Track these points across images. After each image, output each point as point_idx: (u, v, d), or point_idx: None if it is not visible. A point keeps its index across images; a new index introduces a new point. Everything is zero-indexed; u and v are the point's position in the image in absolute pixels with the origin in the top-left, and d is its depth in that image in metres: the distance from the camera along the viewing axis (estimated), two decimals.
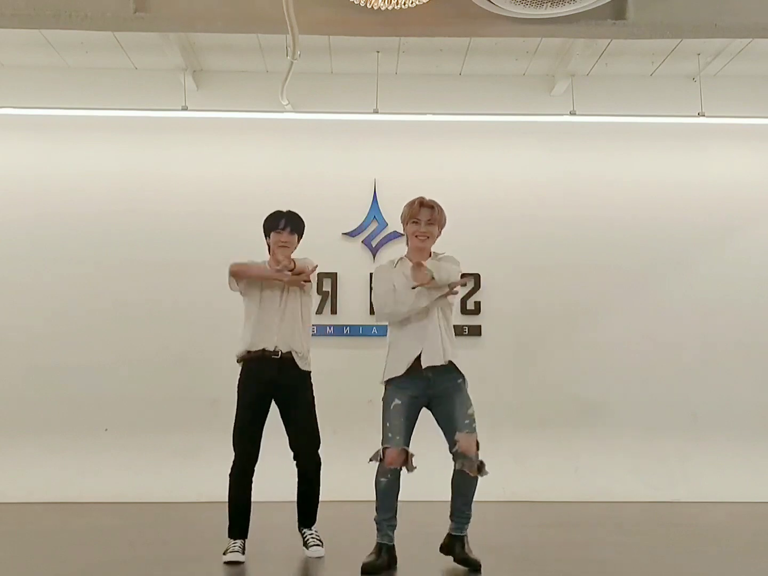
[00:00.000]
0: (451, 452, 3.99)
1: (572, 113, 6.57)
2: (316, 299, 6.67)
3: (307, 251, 6.61)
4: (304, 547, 4.28)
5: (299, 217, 4.46)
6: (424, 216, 4.10)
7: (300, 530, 4.34)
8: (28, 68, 6.62)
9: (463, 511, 4.01)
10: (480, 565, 3.90)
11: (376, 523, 3.98)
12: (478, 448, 3.96)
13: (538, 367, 6.69)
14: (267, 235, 4.47)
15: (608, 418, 6.58)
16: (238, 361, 4.35)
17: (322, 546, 4.24)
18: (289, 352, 4.29)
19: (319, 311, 6.66)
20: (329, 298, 6.69)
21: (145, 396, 6.46)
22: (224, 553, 4.11)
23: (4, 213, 6.68)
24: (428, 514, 5.03)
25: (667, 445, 6.53)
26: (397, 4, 4.45)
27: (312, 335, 6.55)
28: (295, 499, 4.37)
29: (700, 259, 6.83)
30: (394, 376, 4.11)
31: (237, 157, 6.78)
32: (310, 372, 4.38)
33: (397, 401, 4.01)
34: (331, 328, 6.68)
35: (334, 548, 4.36)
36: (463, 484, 3.96)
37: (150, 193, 6.72)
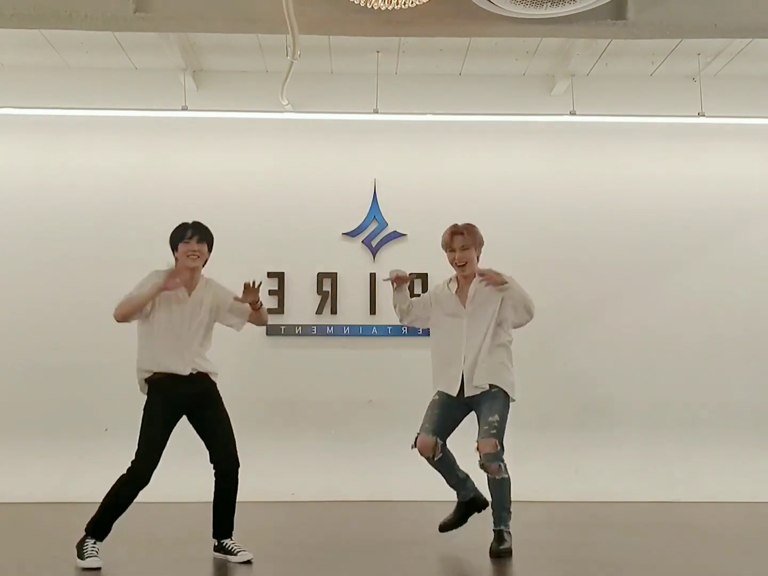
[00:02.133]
0: None
1: (572, 113, 6.57)
2: (315, 299, 6.69)
3: (307, 251, 6.67)
4: (229, 556, 4.16)
5: (206, 227, 4.36)
6: (458, 243, 4.39)
7: (220, 545, 4.22)
8: (28, 68, 6.61)
9: (495, 509, 4.30)
10: (506, 552, 4.19)
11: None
12: (496, 449, 4.23)
13: (538, 367, 6.66)
14: (174, 248, 4.34)
15: (608, 418, 6.57)
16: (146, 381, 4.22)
17: (247, 551, 4.16)
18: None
19: (319, 311, 6.66)
20: (329, 298, 6.68)
21: (145, 396, 6.44)
22: (83, 557, 3.99)
23: (3, 213, 6.67)
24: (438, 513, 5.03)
25: (667, 445, 6.53)
26: (397, 4, 4.45)
27: (312, 335, 6.67)
28: (213, 503, 4.31)
29: (699, 259, 6.83)
30: None
31: (237, 157, 6.78)
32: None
33: (435, 397, 4.42)
34: (331, 328, 6.68)
35: (335, 548, 4.36)
36: (491, 485, 4.28)
37: (150, 192, 6.71)
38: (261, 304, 4.33)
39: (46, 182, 6.69)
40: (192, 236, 4.24)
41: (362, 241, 6.79)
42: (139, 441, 4.11)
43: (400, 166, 6.79)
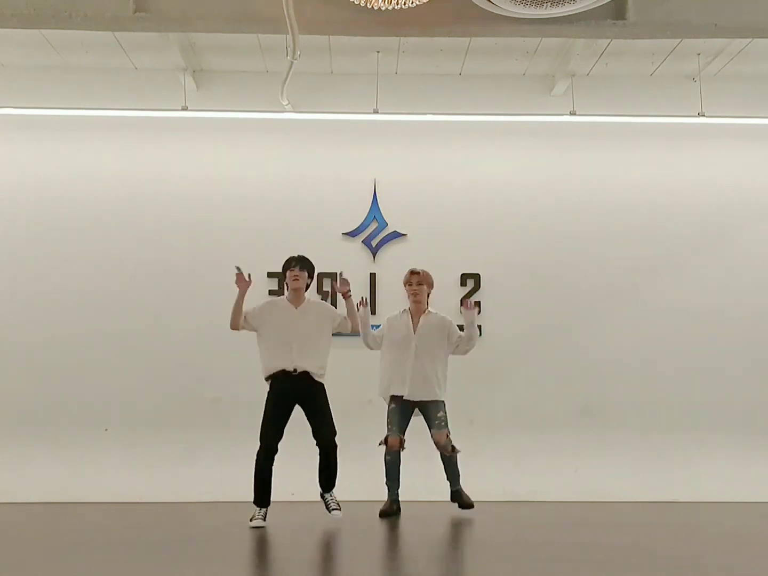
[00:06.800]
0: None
1: (572, 113, 6.57)
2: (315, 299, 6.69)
3: (307, 251, 6.65)
4: (326, 511, 5.02)
5: (308, 260, 5.33)
6: (414, 280, 5.51)
7: (321, 496, 5.10)
8: (28, 68, 6.62)
9: (452, 473, 5.42)
10: (472, 505, 5.39)
11: (387, 486, 5.38)
12: (447, 437, 5.36)
13: (538, 367, 6.68)
14: (284, 276, 5.33)
15: (608, 419, 6.58)
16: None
17: (340, 510, 5.03)
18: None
19: None
20: (329, 298, 6.68)
21: (145, 396, 6.46)
22: (250, 520, 4.87)
23: (3, 212, 6.68)
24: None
25: (666, 446, 6.53)
26: (397, 4, 4.46)
27: None
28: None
29: (699, 259, 6.83)
30: None
31: (237, 157, 6.78)
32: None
33: (392, 405, 5.51)
34: None
35: (335, 548, 4.37)
36: (446, 460, 5.42)
37: (150, 192, 6.72)
38: (350, 293, 5.35)
39: (45, 182, 6.69)
40: (295, 266, 5.24)
41: (362, 241, 6.79)
42: (261, 426, 5.07)
43: (400, 166, 6.79)
